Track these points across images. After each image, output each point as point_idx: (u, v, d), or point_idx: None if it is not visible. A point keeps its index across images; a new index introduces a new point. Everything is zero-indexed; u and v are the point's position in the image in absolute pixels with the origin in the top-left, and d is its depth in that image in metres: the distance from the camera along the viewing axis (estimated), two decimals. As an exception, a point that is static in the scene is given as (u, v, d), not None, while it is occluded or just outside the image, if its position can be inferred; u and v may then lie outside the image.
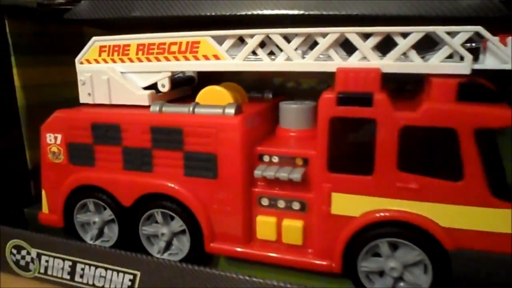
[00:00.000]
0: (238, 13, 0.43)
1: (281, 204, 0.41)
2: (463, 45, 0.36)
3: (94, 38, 0.48)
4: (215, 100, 0.45)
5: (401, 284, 0.38)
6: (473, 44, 0.39)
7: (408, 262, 0.37)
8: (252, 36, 0.42)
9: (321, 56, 0.41)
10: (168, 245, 0.46)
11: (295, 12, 0.41)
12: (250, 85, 0.54)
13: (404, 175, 0.36)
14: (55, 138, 0.47)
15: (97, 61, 0.48)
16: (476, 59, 0.38)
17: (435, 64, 0.37)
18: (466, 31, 0.35)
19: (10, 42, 0.55)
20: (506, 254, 0.34)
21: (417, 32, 0.37)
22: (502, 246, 0.34)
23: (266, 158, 0.41)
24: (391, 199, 0.36)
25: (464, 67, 0.36)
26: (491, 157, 0.34)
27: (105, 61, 0.47)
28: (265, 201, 0.42)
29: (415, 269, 0.37)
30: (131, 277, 0.44)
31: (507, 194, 0.34)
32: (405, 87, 0.51)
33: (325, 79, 0.54)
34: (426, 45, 0.40)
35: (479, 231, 0.35)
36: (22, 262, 0.49)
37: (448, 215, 0.35)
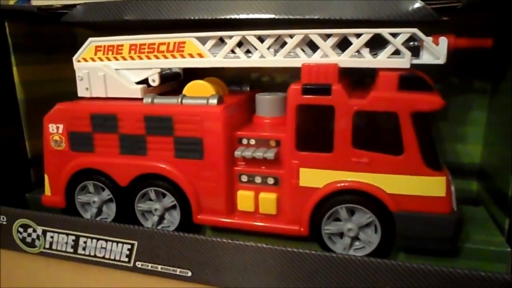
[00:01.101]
0: (218, 17, 0.49)
1: (258, 180, 0.48)
2: (406, 43, 0.44)
3: (90, 39, 0.54)
4: (200, 93, 0.51)
5: (357, 242, 0.46)
6: (416, 43, 0.47)
7: (362, 224, 0.45)
8: (231, 37, 0.49)
9: (290, 53, 0.48)
10: (161, 219, 0.53)
11: (267, 16, 0.48)
12: (230, 79, 0.61)
13: (358, 151, 0.43)
14: (57, 127, 0.53)
15: (93, 60, 0.54)
16: (417, 55, 0.46)
17: (382, 59, 0.44)
18: (405, 32, 0.43)
19: (10, 42, 0.60)
20: (437, 214, 0.42)
21: (367, 33, 0.44)
22: (434, 207, 0.42)
23: (244, 141, 0.48)
24: (347, 172, 0.44)
25: (404, 62, 0.44)
26: (425, 135, 0.42)
27: (101, 59, 0.53)
28: (244, 178, 0.49)
29: (368, 230, 0.45)
30: (129, 246, 0.50)
31: (437, 164, 0.42)
32: (364, 80, 0.59)
33: (296, 74, 0.61)
34: (381, 45, 0.48)
35: (416, 196, 0.43)
36: (29, 239, 0.55)
37: (392, 184, 0.43)
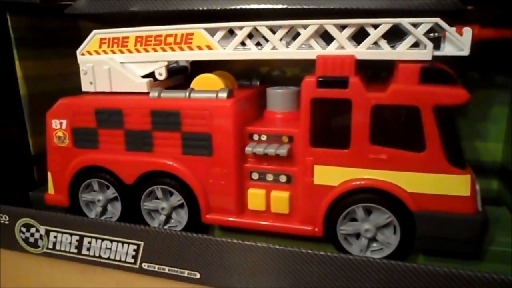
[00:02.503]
0: (229, 8, 0.47)
1: (270, 177, 0.46)
2: (426, 34, 0.42)
3: (94, 31, 0.52)
4: (208, 86, 0.49)
5: (374, 244, 0.44)
6: (436, 34, 0.44)
7: (380, 224, 0.43)
8: (241, 28, 0.46)
9: (303, 45, 0.46)
10: (168, 218, 0.51)
11: (279, 6, 0.46)
12: (239, 74, 0.59)
13: (376, 147, 0.41)
14: (60, 123, 0.51)
15: (97, 53, 0.52)
16: (438, 47, 0.43)
17: (401, 51, 0.42)
18: (426, 22, 0.41)
19: (12, 36, 0.58)
20: (460, 214, 0.40)
21: (385, 23, 0.42)
22: (457, 207, 0.40)
23: (255, 137, 0.46)
24: (365, 169, 0.42)
25: (426, 54, 0.41)
26: (448, 131, 0.40)
27: (105, 52, 0.52)
28: (255, 175, 0.47)
29: (386, 230, 0.43)
30: (135, 247, 0.48)
31: (461, 162, 0.40)
32: (380, 74, 0.57)
33: (307, 68, 0.59)
34: (400, 36, 0.46)
35: (438, 195, 0.40)
36: (31, 239, 0.53)
37: (412, 182, 0.41)
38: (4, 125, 0.59)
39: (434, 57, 0.42)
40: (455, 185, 0.40)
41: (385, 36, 0.43)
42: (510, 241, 0.43)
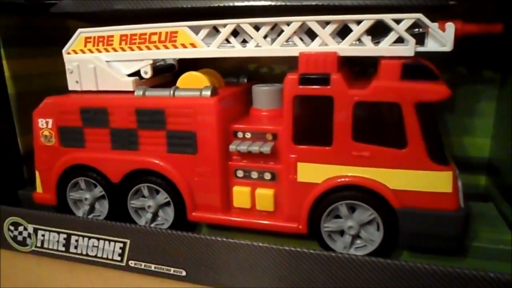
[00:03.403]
0: (213, 5, 0.47)
1: (254, 175, 0.46)
2: (410, 30, 0.42)
3: (79, 30, 0.52)
4: (194, 84, 0.49)
5: (358, 241, 0.44)
6: (420, 30, 0.44)
7: (364, 221, 0.43)
8: (224, 25, 0.46)
9: (289, 42, 0.45)
10: (155, 216, 0.51)
11: (263, 3, 0.46)
12: (227, 71, 0.59)
13: (358, 145, 0.41)
14: (47, 122, 0.51)
15: (83, 51, 0.52)
16: (422, 43, 0.43)
17: (384, 47, 0.42)
18: (408, 18, 0.40)
19: (-1, 35, 0.58)
20: (443, 210, 0.40)
21: (367, 19, 0.41)
22: (439, 203, 0.40)
23: (240, 135, 0.46)
24: (347, 166, 0.42)
25: (408, 50, 0.41)
26: (430, 127, 0.40)
27: (91, 51, 0.51)
28: (240, 173, 0.47)
29: (370, 227, 0.43)
30: (121, 245, 0.48)
31: (443, 159, 0.40)
32: (367, 71, 0.57)
33: (296, 65, 0.59)
34: (384, 33, 0.45)
35: (420, 191, 0.40)
36: (20, 238, 0.53)
37: (395, 179, 0.41)
38: (-8, 124, 0.59)
39: (420, 53, 0.41)
40: (437, 181, 0.40)
41: (371, 32, 0.43)
42: (493, 237, 0.43)
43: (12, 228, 0.54)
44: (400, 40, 0.42)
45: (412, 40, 0.41)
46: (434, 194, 0.40)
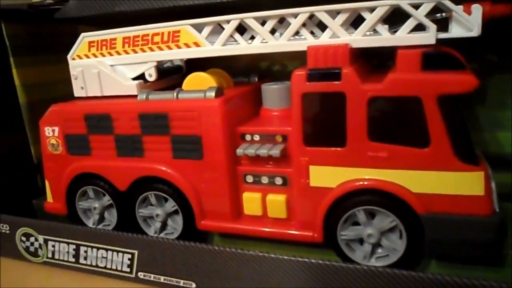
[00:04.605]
0: (216, 1, 0.44)
1: (265, 180, 0.43)
2: (432, 16, 0.38)
3: (82, 34, 0.50)
4: (200, 86, 0.46)
5: (379, 250, 0.40)
6: (444, 14, 0.40)
7: (384, 228, 0.39)
8: (228, 21, 0.44)
9: (299, 36, 0.42)
10: (164, 225, 0.49)
11: (269, -5, 0.43)
12: (238, 70, 0.56)
13: (375, 144, 0.37)
14: (53, 130, 0.50)
15: (87, 56, 0.50)
16: (446, 29, 0.39)
17: (401, 36, 0.38)
18: (428, 1, 0.36)
19: (8, 44, 0.58)
20: (475, 216, 0.36)
21: (382, 6, 0.38)
22: (470, 207, 0.36)
23: (248, 137, 0.43)
24: (364, 169, 0.38)
25: (428, 37, 0.37)
26: (455, 123, 0.35)
27: (95, 56, 0.50)
28: (249, 178, 0.44)
29: (391, 235, 0.39)
30: (130, 256, 0.46)
31: (472, 158, 0.35)
32: (386, 63, 0.52)
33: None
34: (403, 20, 0.41)
35: (447, 195, 0.36)
36: (32, 248, 0.53)
37: (418, 181, 0.37)
38: (5, 134, 0.59)
39: (444, 41, 0.37)
40: (466, 183, 0.35)
41: (388, 21, 0.39)
42: (535, 244, 0.39)
43: (24, 239, 0.53)
44: (421, 28, 0.38)
45: (433, 26, 0.37)
46: (463, 197, 0.36)
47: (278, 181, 0.43)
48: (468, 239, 0.36)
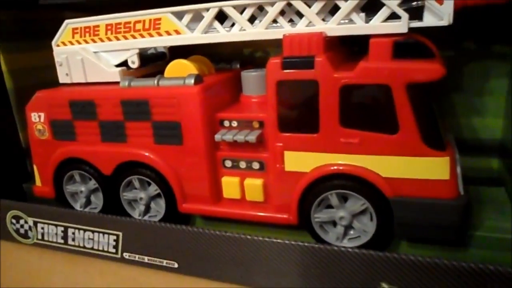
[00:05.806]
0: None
1: (243, 164, 0.44)
2: (407, 5, 0.38)
3: (66, 21, 0.51)
4: (182, 73, 0.47)
5: (351, 231, 0.42)
6: (419, 3, 0.40)
7: (356, 211, 0.40)
8: (207, 9, 0.44)
9: (276, 24, 0.43)
10: (148, 208, 0.50)
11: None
12: (222, 56, 0.57)
13: (347, 131, 0.38)
14: (39, 116, 0.51)
15: (71, 43, 0.51)
16: (421, 17, 0.40)
17: (375, 25, 0.39)
18: (401, -10, 0.37)
19: (-6, 30, 0.58)
20: (441, 199, 0.37)
21: (356, -6, 0.38)
22: (436, 191, 0.37)
23: (226, 123, 0.45)
24: (336, 154, 0.39)
25: (401, 26, 0.38)
26: (423, 110, 0.36)
27: (79, 42, 0.51)
28: (228, 163, 0.45)
29: (363, 217, 0.41)
30: (115, 237, 0.48)
31: (439, 143, 0.37)
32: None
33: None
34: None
35: (415, 179, 0.37)
36: (22, 230, 0.54)
37: (387, 166, 0.38)
38: (-8, 120, 0.60)
39: (419, 30, 0.38)
40: (433, 168, 0.37)
41: (366, 10, 0.40)
42: (500, 226, 0.40)
43: (14, 221, 0.55)
44: (397, 17, 0.39)
45: (405, 15, 0.37)
46: (430, 181, 0.37)
47: (255, 166, 0.44)
48: (434, 221, 0.38)
